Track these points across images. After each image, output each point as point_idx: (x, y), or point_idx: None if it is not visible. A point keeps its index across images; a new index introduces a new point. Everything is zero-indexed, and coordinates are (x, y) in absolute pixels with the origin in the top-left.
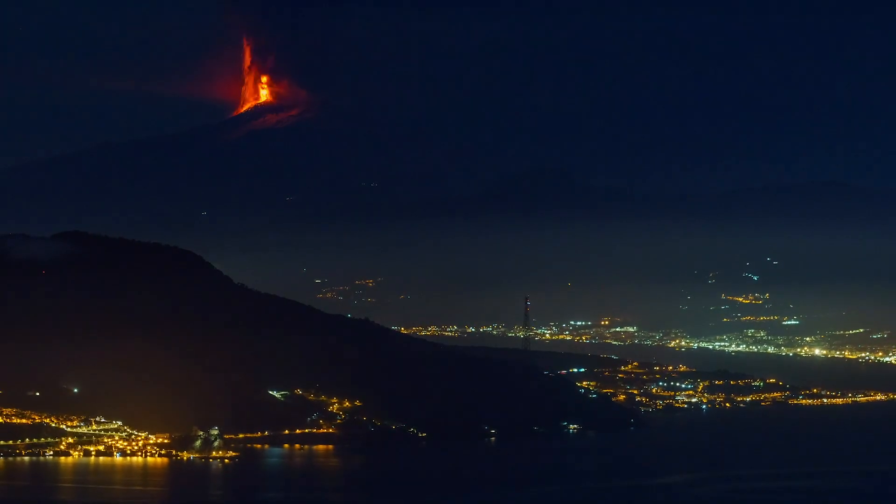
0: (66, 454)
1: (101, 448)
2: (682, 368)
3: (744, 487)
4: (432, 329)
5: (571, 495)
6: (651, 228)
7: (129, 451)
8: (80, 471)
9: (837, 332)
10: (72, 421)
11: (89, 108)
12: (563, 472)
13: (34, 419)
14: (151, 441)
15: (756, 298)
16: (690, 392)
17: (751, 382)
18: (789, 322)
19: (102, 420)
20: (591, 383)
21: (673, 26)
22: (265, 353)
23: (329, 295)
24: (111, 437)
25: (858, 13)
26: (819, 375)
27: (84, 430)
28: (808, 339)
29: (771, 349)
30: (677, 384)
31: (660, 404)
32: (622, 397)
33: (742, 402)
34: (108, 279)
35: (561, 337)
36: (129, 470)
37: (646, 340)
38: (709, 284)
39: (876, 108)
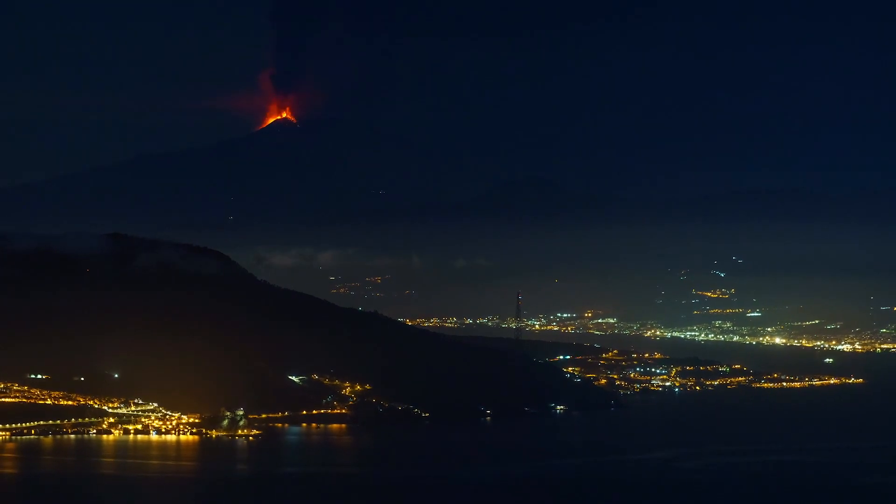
0: (108, 433)
1: (139, 427)
2: (657, 355)
3: (714, 461)
4: (434, 321)
5: (559, 469)
6: (629, 230)
7: (163, 430)
8: (120, 447)
9: (796, 323)
10: (113, 403)
11: (127, 122)
12: (552, 448)
13: (79, 401)
14: (184, 421)
15: (723, 293)
16: (665, 377)
17: (718, 368)
18: (753, 314)
19: (140, 402)
20: (576, 369)
21: (651, 46)
22: (285, 343)
23: (342, 290)
24: (148, 417)
25: (826, 29)
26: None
27: (124, 410)
28: (769, 329)
29: (736, 338)
30: (653, 370)
31: (637, 387)
32: (603, 381)
33: (710, 385)
34: (145, 276)
35: (549, 328)
36: (163, 446)
37: (625, 330)
38: (681, 281)
39: (834, 124)
